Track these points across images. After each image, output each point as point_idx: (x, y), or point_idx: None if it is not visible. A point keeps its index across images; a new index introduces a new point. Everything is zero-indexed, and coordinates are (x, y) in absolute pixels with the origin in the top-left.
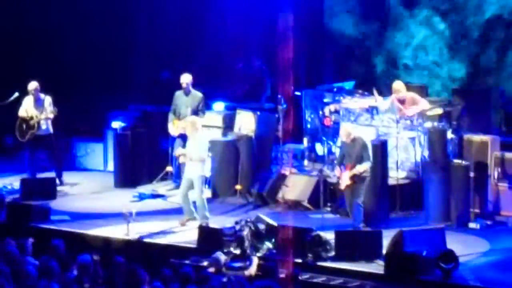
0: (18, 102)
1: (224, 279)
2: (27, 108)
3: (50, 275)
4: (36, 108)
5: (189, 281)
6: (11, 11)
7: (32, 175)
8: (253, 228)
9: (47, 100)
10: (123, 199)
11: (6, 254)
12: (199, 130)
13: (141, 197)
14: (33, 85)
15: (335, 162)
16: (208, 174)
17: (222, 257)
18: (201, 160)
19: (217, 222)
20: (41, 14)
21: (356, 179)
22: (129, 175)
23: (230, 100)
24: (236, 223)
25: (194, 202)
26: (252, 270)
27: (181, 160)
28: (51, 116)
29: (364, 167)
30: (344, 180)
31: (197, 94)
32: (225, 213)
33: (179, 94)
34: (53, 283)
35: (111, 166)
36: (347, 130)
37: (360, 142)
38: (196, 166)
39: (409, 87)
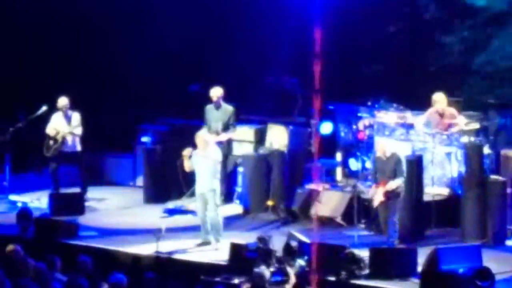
0: (46, 116)
1: None
2: (55, 125)
3: None
4: (64, 124)
5: None
6: (41, 25)
7: (55, 191)
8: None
9: (75, 116)
10: (153, 215)
11: (34, 270)
12: (210, 145)
13: (171, 212)
14: (63, 101)
15: (370, 177)
16: (238, 189)
17: (266, 272)
18: (213, 175)
19: (248, 238)
20: (70, 29)
21: (390, 195)
22: (158, 190)
23: (261, 114)
24: (258, 239)
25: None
26: (291, 284)
27: (186, 166)
28: (77, 133)
29: (396, 183)
30: (378, 196)
31: (228, 108)
32: (256, 229)
33: (209, 108)
34: None
35: (140, 181)
36: (383, 146)
37: (395, 158)
38: (208, 180)
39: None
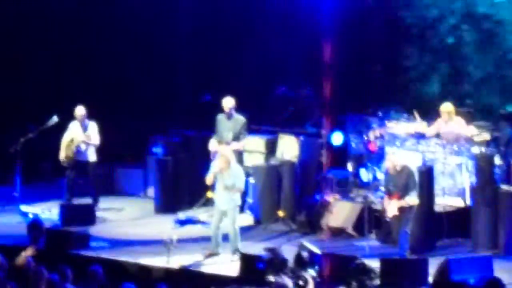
0: (57, 127)
1: None
2: (72, 134)
3: None
4: (80, 133)
5: None
6: (55, 36)
7: (67, 200)
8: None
9: (93, 126)
10: (164, 226)
11: (47, 281)
12: (232, 162)
13: (182, 223)
14: (80, 110)
15: (381, 189)
16: (249, 200)
17: (289, 282)
18: (238, 191)
19: (259, 249)
20: (83, 40)
21: (404, 208)
22: (169, 201)
23: (272, 125)
24: (268, 250)
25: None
26: None
27: (208, 181)
28: (90, 141)
29: (413, 200)
30: (391, 209)
31: (240, 118)
32: (267, 240)
33: (221, 117)
34: None
35: (151, 192)
36: (393, 161)
37: (406, 171)
38: (229, 197)
39: (456, 112)
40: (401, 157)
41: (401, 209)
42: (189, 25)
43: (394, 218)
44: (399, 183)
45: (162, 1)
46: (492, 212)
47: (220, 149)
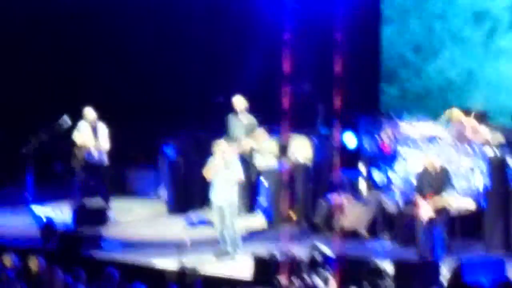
0: (69, 128)
1: None
2: (82, 135)
3: None
4: (91, 136)
5: None
6: (68, 39)
7: (79, 202)
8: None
9: (103, 128)
10: (176, 227)
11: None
12: (228, 156)
13: (193, 225)
14: (92, 113)
15: (395, 190)
16: (261, 201)
17: (319, 282)
18: (231, 188)
19: (271, 251)
20: (96, 43)
21: (440, 210)
22: (181, 202)
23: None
24: (270, 253)
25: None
26: None
27: (209, 175)
28: (106, 148)
29: (452, 201)
30: (426, 211)
31: (251, 119)
32: (279, 241)
33: (232, 117)
34: None
35: (163, 193)
36: (431, 161)
37: (444, 172)
38: (226, 192)
39: (467, 113)
40: (438, 159)
41: (437, 211)
42: (201, 26)
43: (427, 220)
44: (435, 184)
45: (174, 2)
46: (505, 214)
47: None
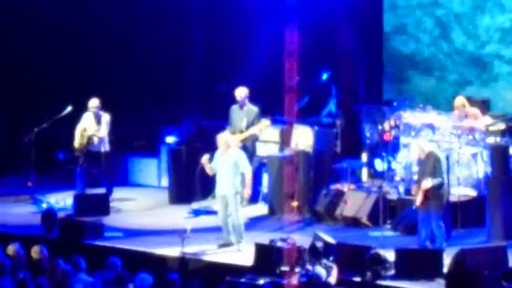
0: (71, 117)
1: None
2: (85, 125)
3: None
4: (93, 125)
5: None
6: (68, 25)
7: (81, 191)
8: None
9: (105, 118)
10: (178, 216)
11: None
12: (231, 147)
13: (196, 213)
14: (94, 102)
15: (396, 179)
16: (265, 189)
17: (322, 271)
18: (234, 177)
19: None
20: (96, 30)
21: (430, 195)
22: (183, 190)
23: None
24: (271, 241)
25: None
26: (333, 279)
27: (208, 170)
28: (102, 135)
29: (429, 184)
30: (418, 197)
31: (252, 108)
32: (281, 230)
33: (234, 108)
34: None
35: (165, 182)
36: (420, 146)
37: (432, 157)
38: (229, 183)
39: (471, 102)
40: (426, 144)
41: (427, 196)
42: (203, 14)
43: (421, 207)
44: (426, 170)
45: None
46: (507, 202)
47: (220, 134)
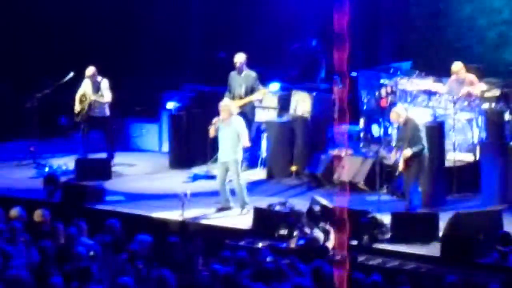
0: (73, 82)
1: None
2: (85, 91)
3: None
4: (93, 91)
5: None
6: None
7: (83, 156)
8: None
9: (104, 83)
10: (178, 180)
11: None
12: (233, 114)
13: (195, 178)
14: (90, 70)
15: (392, 144)
16: (263, 154)
17: (320, 234)
18: (235, 145)
19: (272, 203)
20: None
21: (411, 162)
22: (183, 156)
23: (285, 81)
24: (270, 205)
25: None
26: (331, 242)
27: (212, 133)
28: (102, 100)
29: (409, 152)
30: (400, 163)
31: (251, 74)
32: (280, 194)
33: (233, 74)
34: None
35: (166, 147)
36: (397, 113)
37: (411, 125)
38: (230, 149)
39: (466, 68)
40: (405, 110)
41: (408, 163)
42: None
43: (405, 173)
44: (405, 137)
45: None
46: (501, 167)
47: (223, 102)
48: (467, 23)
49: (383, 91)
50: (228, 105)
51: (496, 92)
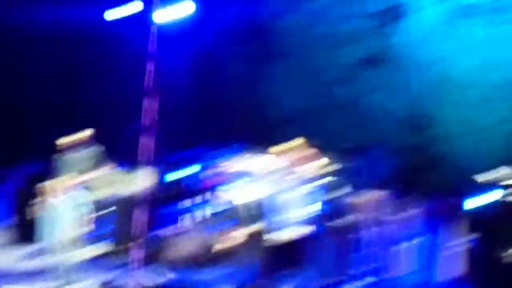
0: None
1: None
2: None
3: None
4: None
5: None
6: None
7: None
8: None
9: None
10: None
11: None
12: (66, 191)
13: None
14: None
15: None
16: (97, 232)
17: None
18: (71, 221)
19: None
20: None
21: (245, 239)
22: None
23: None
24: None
25: None
26: None
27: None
28: None
29: (251, 229)
30: (238, 238)
31: (89, 152)
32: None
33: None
34: None
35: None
36: (244, 193)
37: (251, 202)
38: (63, 227)
39: (305, 143)
40: (242, 190)
41: (247, 239)
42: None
43: (241, 247)
44: (245, 214)
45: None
46: (338, 241)
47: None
48: None
49: (214, 170)
50: (60, 184)
51: (333, 167)
